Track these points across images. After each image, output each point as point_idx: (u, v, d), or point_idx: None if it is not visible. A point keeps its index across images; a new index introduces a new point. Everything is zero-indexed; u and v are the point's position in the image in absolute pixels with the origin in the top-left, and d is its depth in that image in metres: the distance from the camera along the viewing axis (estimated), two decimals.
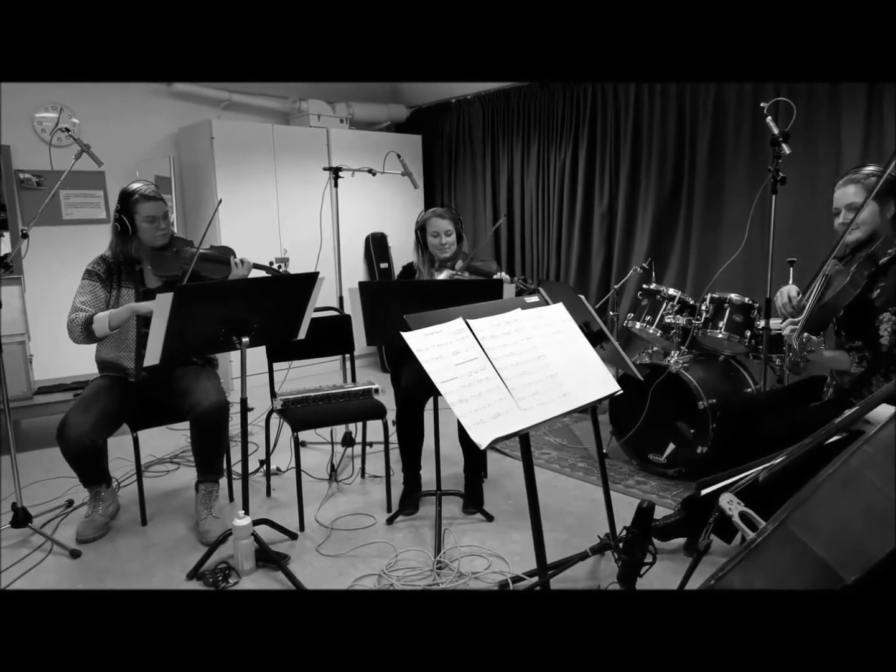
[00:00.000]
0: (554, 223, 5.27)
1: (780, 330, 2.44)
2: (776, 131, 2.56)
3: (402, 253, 5.54)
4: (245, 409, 2.38)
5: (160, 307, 2.16)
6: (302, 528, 2.74)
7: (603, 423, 3.40)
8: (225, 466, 2.88)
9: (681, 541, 2.45)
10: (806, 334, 2.03)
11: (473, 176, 5.85)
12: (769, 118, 2.60)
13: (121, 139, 4.75)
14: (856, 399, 2.12)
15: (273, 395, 2.93)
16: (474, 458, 2.91)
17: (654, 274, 3.73)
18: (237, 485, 3.03)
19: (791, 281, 2.44)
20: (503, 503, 2.93)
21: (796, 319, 2.10)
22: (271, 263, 2.93)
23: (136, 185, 2.73)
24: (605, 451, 3.42)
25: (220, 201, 3.44)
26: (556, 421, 4.03)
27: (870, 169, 2.12)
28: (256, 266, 2.88)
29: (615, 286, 4.20)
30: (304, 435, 3.63)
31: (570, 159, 5.07)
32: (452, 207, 4.74)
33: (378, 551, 2.55)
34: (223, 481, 2.87)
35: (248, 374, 2.35)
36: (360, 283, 2.45)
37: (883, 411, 1.16)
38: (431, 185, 6.17)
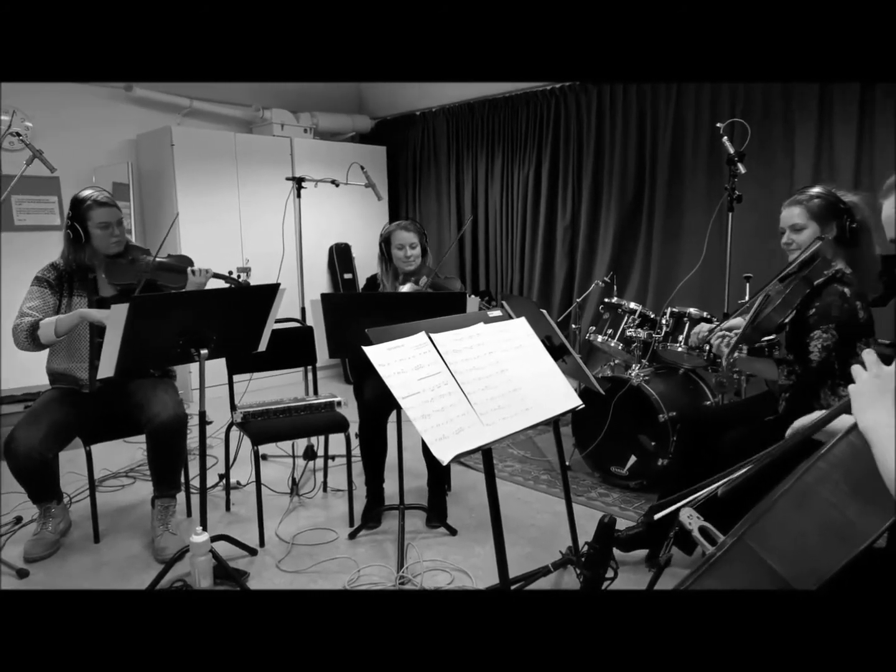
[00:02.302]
0: (518, 236, 5.32)
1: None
2: (732, 151, 2.63)
3: (367, 264, 5.52)
4: (204, 422, 2.33)
5: (115, 317, 2.10)
6: (262, 543, 2.68)
7: (566, 435, 3.42)
8: (183, 481, 2.81)
9: (643, 552, 2.47)
10: (736, 354, 2.09)
11: (438, 188, 5.86)
12: (725, 138, 2.67)
13: (78, 144, 4.63)
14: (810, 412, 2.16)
15: (233, 407, 2.88)
16: (438, 471, 2.90)
17: (615, 288, 3.78)
18: (195, 499, 2.95)
19: (747, 296, 2.50)
20: (467, 516, 2.92)
21: (728, 335, 2.15)
22: (230, 273, 2.88)
23: (88, 192, 2.66)
24: (567, 463, 3.43)
25: (178, 215, 3.36)
26: (520, 433, 4.05)
27: (815, 191, 2.18)
28: (216, 276, 2.83)
29: (577, 300, 4.26)
30: (265, 448, 3.57)
31: (533, 173, 5.12)
32: (417, 220, 4.75)
33: (340, 567, 2.51)
34: (181, 496, 2.80)
35: (208, 387, 2.30)
36: (323, 295, 2.42)
37: (842, 422, 1.18)
38: (396, 196, 6.16)
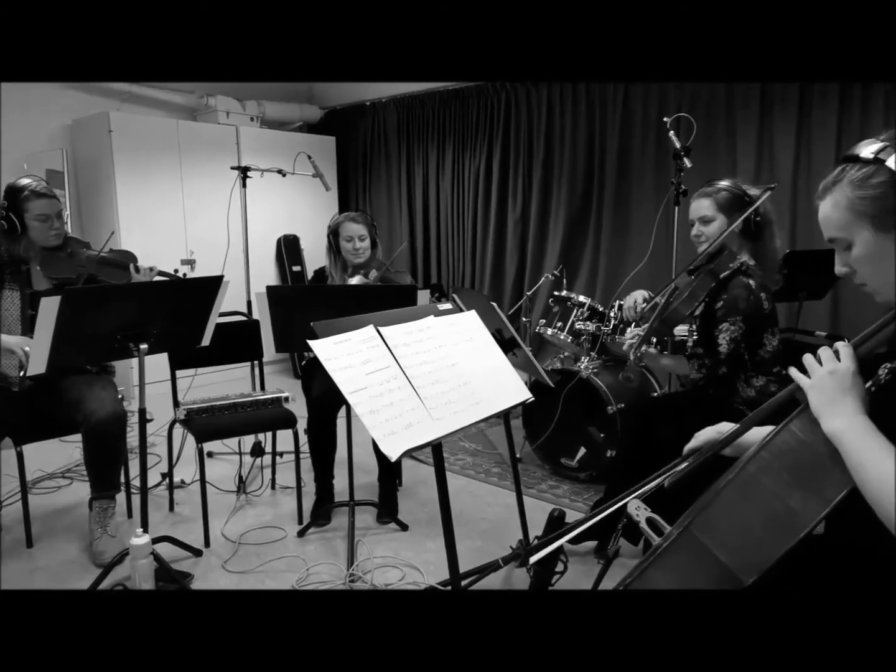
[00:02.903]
0: (469, 229, 5.31)
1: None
2: (678, 145, 2.67)
3: (316, 256, 5.42)
4: (144, 420, 2.25)
5: (46, 311, 2.00)
6: (207, 543, 2.61)
7: (516, 427, 3.44)
8: (123, 480, 2.70)
9: (592, 544, 2.49)
10: (644, 348, 2.13)
11: (389, 180, 5.81)
12: (672, 133, 2.71)
13: (7, 129, 4.40)
14: (737, 405, 2.21)
15: (176, 404, 2.79)
16: (388, 466, 2.87)
17: (565, 281, 3.80)
18: (137, 500, 2.85)
19: None
20: (418, 511, 2.90)
21: (639, 333, 2.19)
22: (176, 272, 2.80)
23: (25, 181, 2.54)
24: (518, 456, 3.46)
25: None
26: (471, 427, 4.05)
27: (722, 184, 2.23)
28: (161, 273, 2.74)
29: (528, 293, 4.27)
30: (210, 446, 3.48)
31: (484, 166, 5.12)
32: (367, 212, 4.68)
33: (288, 566, 2.46)
34: (121, 497, 2.70)
35: (150, 382, 2.22)
36: (268, 288, 2.36)
37: (753, 436, 1.20)
38: (346, 187, 6.08)
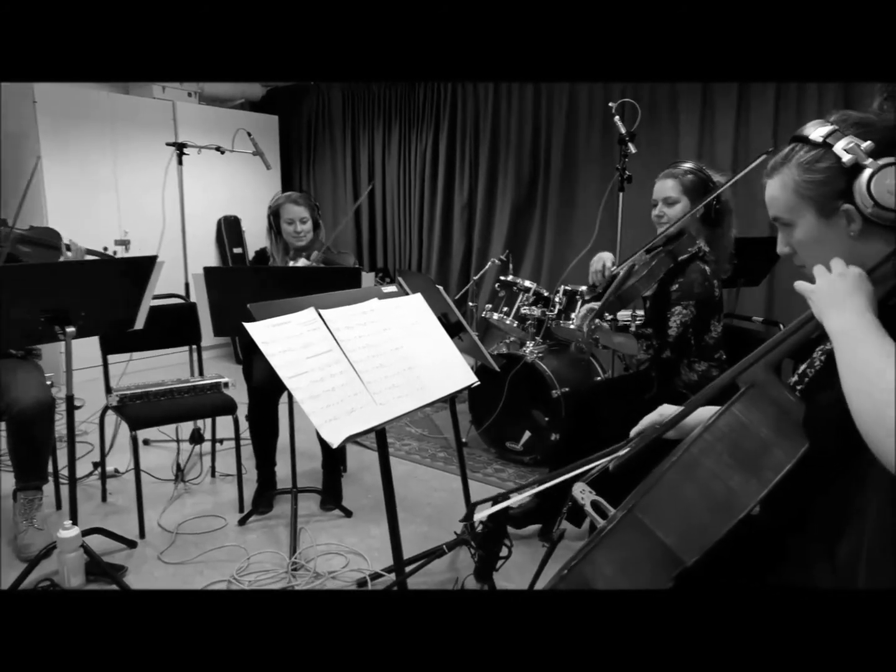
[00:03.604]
0: (415, 213, 5.26)
1: (626, 321, 2.57)
2: (623, 131, 2.68)
3: (258, 238, 5.24)
4: (71, 407, 2.13)
5: None
6: (142, 535, 2.51)
7: (463, 412, 3.43)
8: (51, 470, 2.58)
9: (536, 527, 2.51)
10: (597, 321, 2.14)
11: (333, 161, 5.69)
12: (617, 118, 2.72)
13: None
14: (680, 390, 2.26)
15: (108, 390, 2.67)
16: (332, 452, 2.82)
17: (511, 266, 3.80)
18: (66, 490, 2.73)
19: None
20: (363, 497, 2.87)
21: (594, 306, 2.20)
22: (105, 249, 2.66)
23: None
24: (464, 440, 3.45)
25: (39, 159, 2.97)
26: (418, 411, 4.04)
27: (688, 166, 2.23)
28: (89, 252, 2.60)
29: (474, 277, 4.26)
30: (147, 433, 3.36)
31: (430, 149, 5.07)
32: (311, 193, 4.58)
33: (228, 555, 2.40)
34: (48, 488, 2.57)
35: (81, 368, 2.11)
36: (206, 269, 2.27)
37: (696, 419, 1.21)
38: (289, 168, 5.93)
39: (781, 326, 2.86)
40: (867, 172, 0.92)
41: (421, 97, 5.07)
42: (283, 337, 1.38)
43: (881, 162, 0.92)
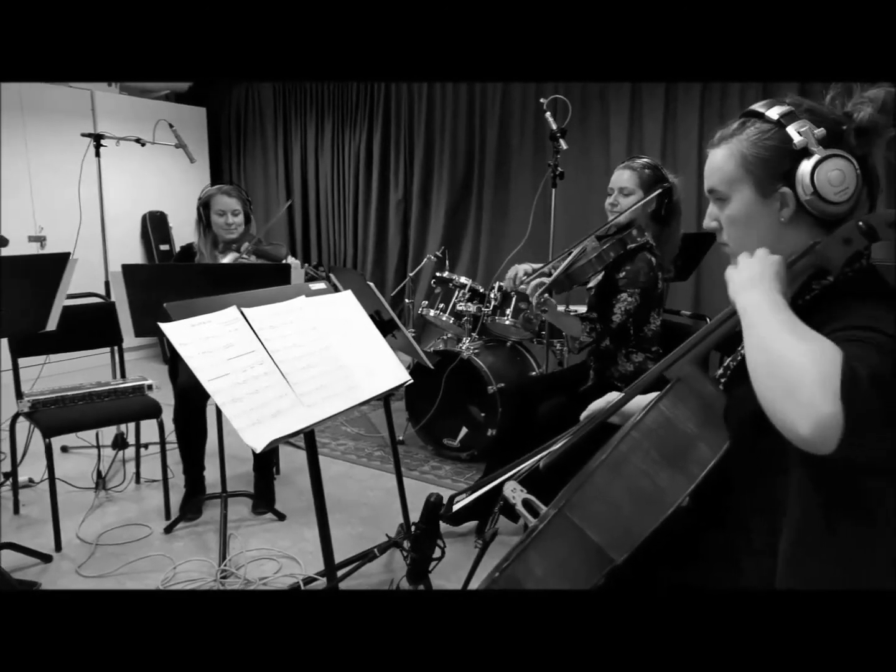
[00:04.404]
0: (350, 208, 5.18)
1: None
2: (554, 127, 2.68)
3: (186, 234, 5.09)
4: None
5: None
6: (58, 548, 2.37)
7: (400, 409, 3.40)
8: None
9: (473, 525, 2.50)
10: (546, 295, 2.18)
11: (265, 154, 5.55)
12: (548, 114, 2.72)
13: None
14: (615, 381, 2.29)
15: (19, 395, 2.51)
16: (263, 454, 2.73)
17: (447, 262, 3.78)
18: None
19: None
20: (296, 500, 2.80)
21: (545, 280, 2.23)
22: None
23: None
24: (401, 438, 3.42)
25: None
26: (354, 410, 3.98)
27: (646, 161, 2.29)
28: None
29: (410, 274, 4.23)
30: (65, 439, 3.18)
31: (365, 144, 5.00)
32: (242, 186, 4.43)
33: (153, 565, 2.29)
34: None
35: None
36: (124, 266, 2.15)
37: (636, 404, 1.21)
38: (219, 161, 5.75)
39: (708, 320, 2.92)
40: (815, 159, 0.91)
41: (354, 91, 4.99)
42: (202, 337, 1.31)
43: (829, 152, 0.91)
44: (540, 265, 2.32)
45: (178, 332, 1.27)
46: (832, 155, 0.91)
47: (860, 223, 0.89)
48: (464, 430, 3.20)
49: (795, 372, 0.75)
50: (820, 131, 0.92)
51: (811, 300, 0.97)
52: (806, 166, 0.92)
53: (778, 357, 0.78)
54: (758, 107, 0.99)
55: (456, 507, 1.33)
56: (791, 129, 0.94)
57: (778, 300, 0.85)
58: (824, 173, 0.91)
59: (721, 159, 1.01)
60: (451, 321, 3.36)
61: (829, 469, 0.85)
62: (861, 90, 0.95)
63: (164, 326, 1.26)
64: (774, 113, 0.96)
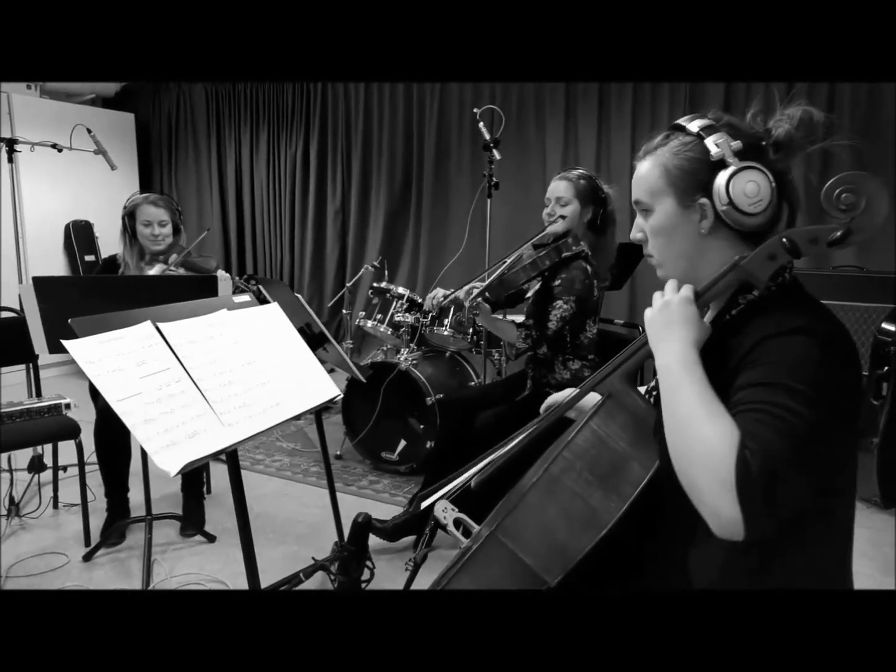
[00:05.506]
0: (286, 218, 5.08)
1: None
2: (488, 137, 2.68)
3: (114, 244, 4.88)
4: None
5: None
6: None
7: (337, 423, 3.31)
8: None
9: (410, 540, 2.45)
10: (479, 300, 2.18)
11: (198, 162, 5.38)
12: (482, 124, 2.72)
13: None
14: (551, 388, 2.29)
15: None
16: (192, 474, 2.61)
17: (386, 272, 3.73)
18: None
19: None
20: (228, 520, 2.68)
21: (479, 285, 2.24)
22: None
23: None
24: (339, 452, 3.34)
25: None
26: (289, 424, 3.86)
27: (582, 172, 2.33)
28: None
29: (348, 284, 4.15)
30: None
31: (301, 150, 4.91)
32: (173, 196, 4.27)
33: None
34: None
35: None
36: (35, 279, 2.02)
37: (592, 399, 1.19)
38: (149, 169, 5.55)
39: (641, 330, 2.96)
40: (730, 170, 0.94)
41: (290, 99, 4.90)
42: (112, 354, 1.23)
43: (744, 164, 0.93)
44: (452, 291, 2.35)
45: (84, 349, 1.18)
46: (748, 167, 0.93)
47: (784, 239, 0.90)
48: (402, 443, 3.15)
49: (697, 463, 0.80)
50: (736, 144, 0.94)
51: (737, 315, 0.98)
52: (722, 177, 0.94)
53: (685, 440, 0.83)
54: (681, 121, 1.02)
55: (424, 504, 1.27)
56: (709, 142, 0.96)
57: (689, 359, 0.88)
58: (740, 184, 0.93)
59: (646, 171, 1.02)
60: (390, 332, 3.31)
61: None
62: (782, 107, 0.97)
63: (67, 344, 1.17)
64: (695, 126, 0.98)
